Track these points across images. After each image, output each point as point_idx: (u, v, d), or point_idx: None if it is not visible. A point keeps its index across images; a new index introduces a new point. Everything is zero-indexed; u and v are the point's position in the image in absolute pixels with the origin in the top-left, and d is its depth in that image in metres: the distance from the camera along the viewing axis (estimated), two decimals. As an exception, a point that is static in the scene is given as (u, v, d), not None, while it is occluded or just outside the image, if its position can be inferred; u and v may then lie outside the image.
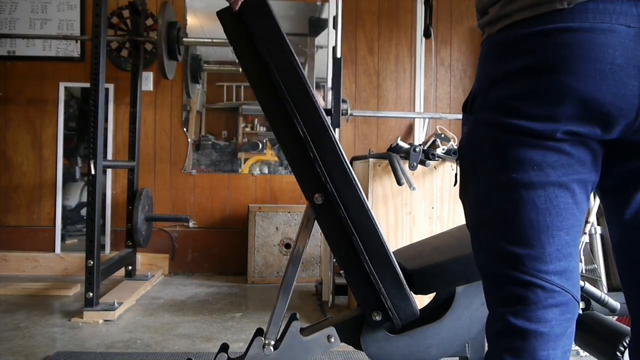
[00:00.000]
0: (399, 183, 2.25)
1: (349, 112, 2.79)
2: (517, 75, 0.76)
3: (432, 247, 1.42)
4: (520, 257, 0.78)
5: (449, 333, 1.20)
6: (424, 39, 3.52)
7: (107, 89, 3.42)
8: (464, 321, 1.20)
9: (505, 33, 0.78)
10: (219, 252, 3.68)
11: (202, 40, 3.59)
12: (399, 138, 2.68)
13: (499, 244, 0.80)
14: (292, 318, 1.24)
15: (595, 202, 3.26)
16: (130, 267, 3.26)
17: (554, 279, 0.77)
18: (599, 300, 1.36)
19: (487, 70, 0.81)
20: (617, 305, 1.39)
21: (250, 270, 3.42)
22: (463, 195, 0.88)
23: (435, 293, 1.28)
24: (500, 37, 0.79)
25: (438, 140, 2.63)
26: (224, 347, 1.27)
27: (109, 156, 3.59)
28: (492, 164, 0.80)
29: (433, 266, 1.20)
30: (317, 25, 3.77)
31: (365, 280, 1.15)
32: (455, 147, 2.53)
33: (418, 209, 2.46)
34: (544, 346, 0.77)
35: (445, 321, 1.20)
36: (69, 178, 3.67)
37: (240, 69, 3.14)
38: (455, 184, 2.47)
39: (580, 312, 1.28)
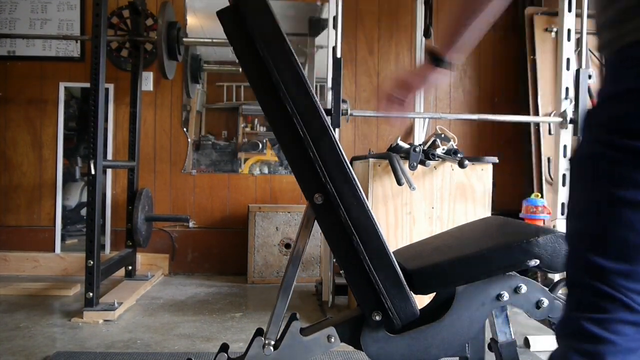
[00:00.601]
0: (399, 183, 2.25)
1: (349, 112, 2.79)
2: (626, 95, 0.77)
3: (432, 247, 1.42)
4: (607, 270, 0.78)
5: (449, 333, 1.20)
6: (424, 39, 3.51)
7: (107, 89, 3.42)
8: (464, 321, 1.20)
9: (619, 54, 0.80)
10: (219, 252, 3.68)
11: (202, 40, 3.59)
12: (399, 138, 2.68)
13: (589, 256, 0.80)
14: (292, 318, 1.24)
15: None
16: (130, 267, 3.27)
17: (637, 299, 0.77)
18: None
19: (602, 89, 0.84)
20: None
21: (250, 270, 3.42)
22: (568, 204, 0.91)
23: (435, 293, 1.28)
24: (614, 58, 0.81)
25: (438, 140, 2.63)
26: (224, 347, 1.27)
27: (109, 156, 3.59)
28: (595, 178, 0.81)
29: (433, 266, 1.20)
30: (317, 25, 3.77)
31: (365, 280, 1.15)
32: (455, 147, 2.53)
33: (418, 209, 2.46)
34: (613, 355, 0.77)
35: (445, 321, 1.20)
36: (69, 178, 3.67)
37: (240, 69, 3.14)
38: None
39: None
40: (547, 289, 1.26)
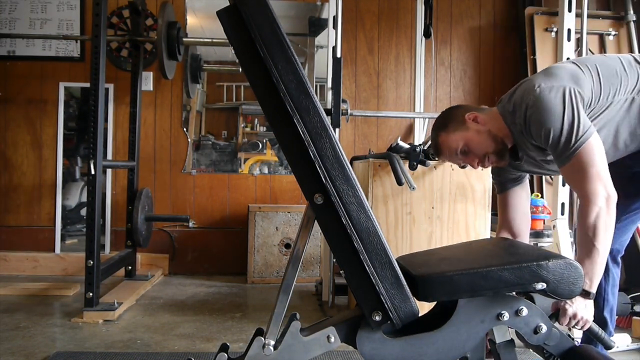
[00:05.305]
0: (399, 183, 2.25)
1: (349, 112, 2.78)
2: None
3: (439, 257, 1.41)
4: None
5: (444, 344, 1.19)
6: (424, 39, 3.51)
7: (107, 89, 3.42)
8: (462, 335, 1.19)
9: None
10: (218, 252, 3.68)
11: (202, 40, 3.59)
12: (399, 138, 2.67)
13: None
14: (292, 318, 1.24)
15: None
16: (130, 267, 3.26)
17: None
18: (596, 337, 1.37)
19: None
20: (612, 343, 1.40)
21: (250, 270, 3.42)
22: None
23: (436, 303, 1.28)
24: None
25: (438, 140, 2.62)
26: (224, 347, 1.27)
27: (109, 156, 3.59)
28: None
29: (440, 274, 1.18)
30: (317, 25, 3.77)
31: (365, 280, 1.15)
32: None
33: (418, 209, 2.46)
34: None
35: (442, 332, 1.19)
36: (68, 178, 3.66)
37: (240, 69, 3.14)
38: None
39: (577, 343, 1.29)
40: (547, 315, 1.25)
